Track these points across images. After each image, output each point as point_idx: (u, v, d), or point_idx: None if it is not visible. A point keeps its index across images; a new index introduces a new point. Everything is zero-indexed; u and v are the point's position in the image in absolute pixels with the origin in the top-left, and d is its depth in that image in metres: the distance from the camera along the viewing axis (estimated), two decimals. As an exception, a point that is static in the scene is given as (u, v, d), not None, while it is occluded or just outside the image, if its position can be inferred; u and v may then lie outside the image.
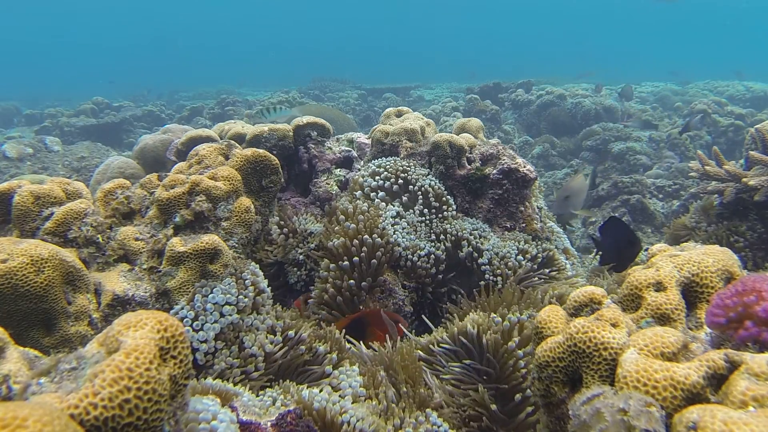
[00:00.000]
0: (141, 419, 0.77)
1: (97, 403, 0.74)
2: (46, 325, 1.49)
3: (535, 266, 2.36)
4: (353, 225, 2.19)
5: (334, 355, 1.75)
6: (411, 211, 2.40)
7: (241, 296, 1.72)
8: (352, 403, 1.48)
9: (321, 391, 1.50)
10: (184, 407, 0.88)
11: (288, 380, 1.65)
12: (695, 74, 14.41)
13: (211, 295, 1.67)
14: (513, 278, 2.26)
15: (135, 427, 0.77)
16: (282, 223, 2.36)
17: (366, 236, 2.15)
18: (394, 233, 2.24)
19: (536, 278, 2.29)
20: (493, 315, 1.84)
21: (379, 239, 2.16)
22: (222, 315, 1.67)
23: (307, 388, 1.54)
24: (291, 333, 1.78)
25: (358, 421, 1.35)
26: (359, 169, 2.79)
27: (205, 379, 1.49)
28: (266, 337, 1.74)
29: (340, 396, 1.50)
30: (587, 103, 8.15)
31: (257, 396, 1.45)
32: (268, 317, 1.80)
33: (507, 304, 1.93)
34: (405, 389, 1.62)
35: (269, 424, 1.21)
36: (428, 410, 1.56)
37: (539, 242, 2.53)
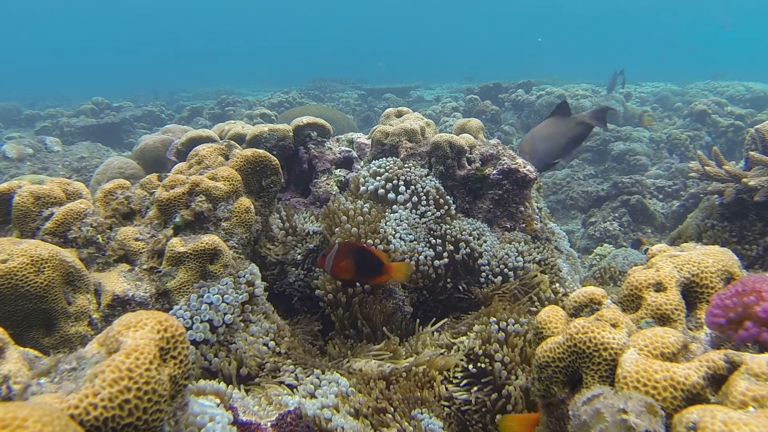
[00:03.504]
0: (141, 419, 0.77)
1: (97, 403, 0.74)
2: (46, 326, 1.49)
3: (534, 267, 2.36)
4: (355, 228, 2.19)
5: (318, 360, 1.75)
6: (411, 211, 2.40)
7: (237, 296, 1.72)
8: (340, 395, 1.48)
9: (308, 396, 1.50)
10: (184, 407, 0.88)
11: (275, 385, 1.64)
12: (695, 75, 14.41)
13: (206, 295, 1.67)
14: (513, 281, 2.27)
15: (135, 427, 0.77)
16: (285, 217, 2.37)
17: (370, 241, 2.15)
18: (394, 237, 2.24)
19: (534, 280, 2.29)
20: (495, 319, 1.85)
21: (381, 246, 2.16)
22: (217, 314, 1.67)
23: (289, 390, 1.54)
24: (286, 334, 1.78)
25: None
26: (359, 170, 2.79)
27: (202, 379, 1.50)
28: (260, 339, 1.73)
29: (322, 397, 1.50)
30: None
31: (251, 396, 1.45)
32: (264, 320, 1.79)
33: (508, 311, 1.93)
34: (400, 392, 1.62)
35: (269, 424, 1.21)
36: (420, 410, 1.56)
37: (539, 243, 2.53)
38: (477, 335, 1.85)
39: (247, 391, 1.57)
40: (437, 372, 1.74)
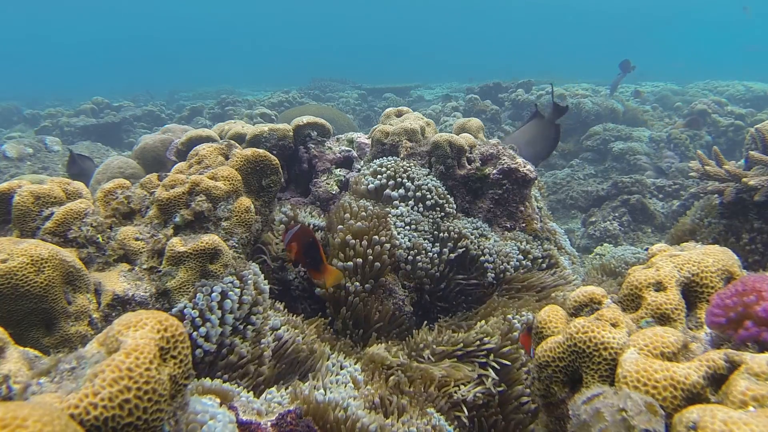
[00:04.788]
0: (141, 419, 0.77)
1: (97, 403, 0.74)
2: (46, 325, 1.49)
3: (536, 267, 2.36)
4: (359, 224, 2.19)
5: (332, 353, 1.76)
6: (413, 209, 2.41)
7: (244, 295, 1.72)
8: (354, 388, 1.50)
9: (323, 384, 1.50)
10: (184, 407, 0.88)
11: (288, 378, 1.65)
12: (694, 74, 14.39)
13: (213, 294, 1.68)
14: (514, 278, 2.27)
15: (135, 427, 0.77)
16: (290, 210, 2.39)
17: (375, 237, 2.15)
18: (398, 234, 2.24)
19: (537, 279, 2.29)
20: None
21: (387, 244, 2.16)
22: (226, 313, 1.67)
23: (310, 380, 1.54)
24: (293, 332, 1.78)
25: (357, 413, 1.35)
26: (359, 169, 2.79)
27: (211, 378, 1.50)
28: (271, 334, 1.74)
29: (339, 383, 1.51)
30: (587, 103, 8.16)
31: (259, 396, 1.45)
32: (274, 315, 1.80)
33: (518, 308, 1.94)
34: (410, 388, 1.62)
35: (269, 423, 1.21)
36: (430, 410, 1.56)
37: (540, 242, 2.53)
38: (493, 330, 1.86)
39: (272, 380, 1.59)
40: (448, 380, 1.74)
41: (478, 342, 1.82)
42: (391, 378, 1.65)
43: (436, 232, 2.34)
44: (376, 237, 2.15)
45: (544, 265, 2.40)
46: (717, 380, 0.88)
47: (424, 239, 2.31)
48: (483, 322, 1.95)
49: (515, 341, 1.84)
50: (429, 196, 2.42)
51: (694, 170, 2.82)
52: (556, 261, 2.46)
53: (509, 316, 1.95)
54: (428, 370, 1.69)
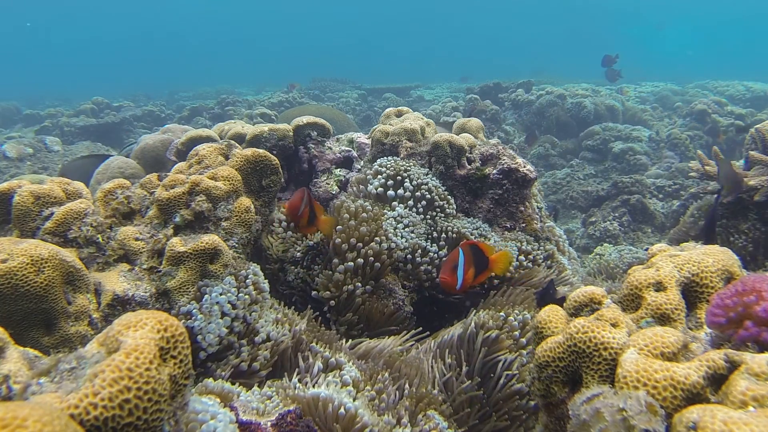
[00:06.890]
0: (141, 419, 0.77)
1: (97, 403, 0.74)
2: (46, 325, 1.49)
3: (536, 267, 2.36)
4: (363, 225, 2.19)
5: (328, 352, 1.76)
6: (412, 210, 2.40)
7: (242, 294, 1.72)
8: (352, 388, 1.51)
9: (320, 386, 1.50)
10: (184, 407, 0.88)
11: (284, 377, 1.65)
12: (694, 74, 14.39)
13: (214, 294, 1.68)
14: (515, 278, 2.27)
15: (135, 427, 0.77)
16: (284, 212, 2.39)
17: (370, 238, 2.15)
18: (396, 235, 2.24)
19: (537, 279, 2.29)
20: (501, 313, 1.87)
21: (384, 244, 2.15)
22: (224, 314, 1.67)
23: (305, 382, 1.54)
24: (293, 332, 1.78)
25: (359, 410, 1.35)
26: (359, 169, 2.79)
27: (211, 378, 1.49)
28: (269, 334, 1.74)
29: (339, 383, 1.52)
30: (587, 102, 8.16)
31: (257, 393, 1.45)
32: (273, 314, 1.80)
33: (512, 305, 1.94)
34: (407, 389, 1.63)
35: (269, 423, 1.21)
36: (431, 412, 1.56)
37: (540, 243, 2.53)
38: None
39: (267, 379, 1.59)
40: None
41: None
42: (393, 365, 1.67)
43: (435, 233, 2.34)
44: (376, 239, 2.15)
45: (544, 266, 2.40)
46: (717, 380, 0.88)
47: (423, 239, 2.31)
48: (484, 312, 1.96)
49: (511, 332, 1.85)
50: (429, 196, 2.42)
51: (694, 170, 2.82)
52: (556, 261, 2.46)
53: (504, 314, 1.95)
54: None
